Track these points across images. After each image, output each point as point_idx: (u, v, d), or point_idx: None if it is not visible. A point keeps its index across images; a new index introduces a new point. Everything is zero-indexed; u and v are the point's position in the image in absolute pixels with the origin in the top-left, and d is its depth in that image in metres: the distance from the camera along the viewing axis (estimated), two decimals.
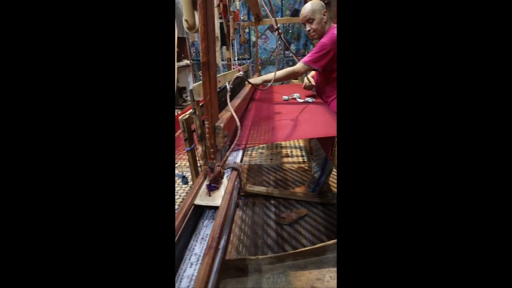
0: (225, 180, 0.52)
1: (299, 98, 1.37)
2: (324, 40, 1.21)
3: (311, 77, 1.54)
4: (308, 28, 1.28)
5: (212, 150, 0.53)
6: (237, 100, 0.93)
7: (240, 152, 0.67)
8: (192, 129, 0.67)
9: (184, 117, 0.64)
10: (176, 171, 1.97)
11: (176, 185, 1.87)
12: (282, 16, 3.18)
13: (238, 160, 0.63)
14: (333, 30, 1.21)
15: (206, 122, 0.52)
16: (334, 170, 1.59)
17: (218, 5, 1.34)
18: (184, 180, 1.72)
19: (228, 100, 0.68)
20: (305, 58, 1.23)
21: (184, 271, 0.34)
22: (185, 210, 0.42)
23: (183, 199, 1.72)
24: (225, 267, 0.91)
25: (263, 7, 1.62)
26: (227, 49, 1.77)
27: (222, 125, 0.53)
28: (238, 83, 1.30)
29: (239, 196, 0.56)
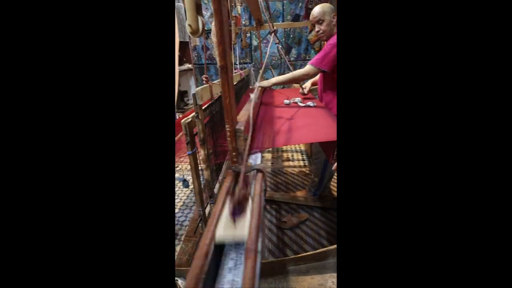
0: (253, 181, 0.50)
1: (301, 102, 1.37)
2: (331, 41, 1.23)
3: (309, 84, 1.56)
4: (317, 29, 1.31)
5: (234, 153, 0.53)
6: (249, 104, 0.93)
7: (259, 155, 0.67)
8: (195, 133, 0.67)
9: (187, 121, 0.64)
10: (177, 175, 1.96)
11: (177, 189, 1.87)
12: (283, 21, 3.20)
13: (259, 162, 0.63)
14: None
15: (227, 126, 0.51)
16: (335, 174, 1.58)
17: None
18: (185, 183, 1.71)
19: (251, 106, 0.67)
20: (313, 60, 1.25)
21: (224, 277, 0.34)
22: (218, 211, 0.40)
23: (183, 202, 1.71)
24: None
25: (264, 13, 1.64)
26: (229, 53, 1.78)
27: (242, 128, 0.53)
28: (240, 87, 1.31)
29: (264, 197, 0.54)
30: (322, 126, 0.98)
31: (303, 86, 1.58)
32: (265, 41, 3.37)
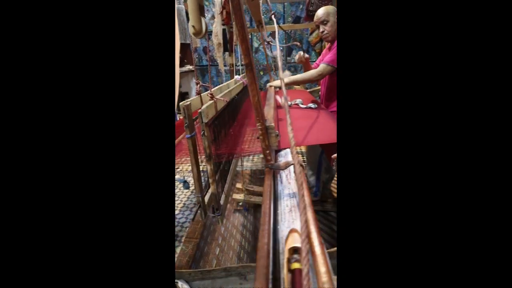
0: (293, 175, 0.49)
1: (302, 104, 1.37)
2: None
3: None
4: (321, 29, 1.33)
5: (267, 151, 0.52)
6: (271, 100, 0.92)
7: (288, 150, 0.66)
8: (194, 118, 0.67)
9: (185, 103, 0.64)
10: (178, 176, 1.96)
11: (177, 190, 1.87)
12: (284, 23, 3.22)
13: (289, 158, 0.62)
14: None
15: (258, 124, 0.51)
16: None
17: (221, 12, 1.36)
18: (186, 185, 1.71)
19: (283, 102, 0.67)
20: (327, 59, 1.26)
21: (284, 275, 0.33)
22: (267, 209, 0.39)
23: (184, 204, 1.71)
24: (227, 273, 0.90)
25: (265, 15, 1.64)
26: (230, 55, 1.79)
27: (273, 124, 0.53)
28: (242, 95, 1.31)
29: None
30: (323, 128, 0.98)
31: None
32: (266, 43, 3.38)
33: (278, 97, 1.40)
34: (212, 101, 0.68)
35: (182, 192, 1.85)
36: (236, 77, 1.49)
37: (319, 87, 1.60)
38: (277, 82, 1.39)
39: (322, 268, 0.28)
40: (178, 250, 1.26)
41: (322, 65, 1.28)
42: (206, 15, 3.20)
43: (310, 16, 3.00)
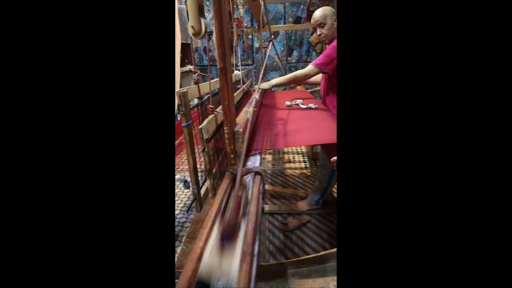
0: (249, 184, 0.50)
1: (302, 104, 1.37)
2: (334, 44, 1.23)
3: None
4: (318, 32, 1.31)
5: (232, 155, 0.53)
6: (249, 106, 0.93)
7: (258, 157, 0.67)
8: (190, 107, 0.67)
9: (182, 91, 0.63)
10: (178, 176, 1.96)
11: (177, 190, 1.87)
12: (285, 23, 3.21)
13: (257, 165, 0.63)
14: None
15: (225, 128, 0.52)
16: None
17: None
18: (186, 184, 1.71)
19: (251, 108, 0.67)
20: (316, 61, 1.25)
21: (219, 280, 0.33)
22: (213, 215, 0.40)
23: (184, 203, 1.71)
24: None
25: (266, 16, 1.64)
26: (231, 55, 1.79)
27: (241, 130, 0.53)
28: (241, 98, 1.31)
29: (263, 201, 0.54)
30: (324, 128, 0.98)
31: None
32: (266, 43, 3.38)
33: (287, 102, 1.40)
34: (213, 115, 0.68)
35: (183, 192, 1.85)
36: (236, 72, 1.48)
37: (319, 88, 1.60)
38: (264, 85, 1.37)
39: (242, 279, 0.29)
40: (178, 250, 1.26)
41: (309, 66, 1.26)
42: (207, 15, 3.20)
43: (311, 16, 3.00)
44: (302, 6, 3.15)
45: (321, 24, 1.28)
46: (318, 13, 1.29)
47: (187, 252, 1.24)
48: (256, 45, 3.38)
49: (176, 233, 1.43)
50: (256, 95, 1.20)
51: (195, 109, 0.76)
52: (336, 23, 1.28)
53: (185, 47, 3.23)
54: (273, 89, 1.39)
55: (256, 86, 1.36)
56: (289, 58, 3.41)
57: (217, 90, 1.10)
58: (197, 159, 0.72)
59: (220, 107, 0.78)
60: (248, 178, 0.54)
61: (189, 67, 3.26)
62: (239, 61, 1.82)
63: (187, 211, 1.38)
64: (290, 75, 1.32)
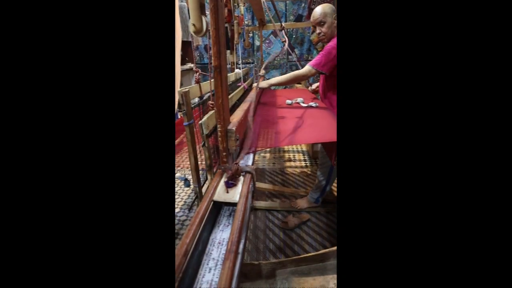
0: (240, 181, 0.52)
1: (303, 103, 1.37)
2: (331, 44, 1.22)
3: (314, 86, 1.57)
4: (318, 31, 1.30)
5: (224, 153, 0.53)
6: (246, 104, 0.93)
7: (251, 156, 0.67)
8: (192, 105, 0.67)
9: (184, 91, 0.64)
10: (179, 174, 1.97)
11: (178, 188, 1.87)
12: (286, 21, 3.20)
13: (250, 163, 0.63)
14: None
15: (218, 126, 0.52)
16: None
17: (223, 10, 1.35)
18: (186, 183, 1.72)
19: (252, 107, 0.68)
20: (313, 62, 1.24)
21: (203, 277, 0.33)
22: (204, 207, 0.42)
23: (185, 201, 1.72)
24: None
25: (267, 12, 1.64)
26: (231, 53, 1.79)
27: (234, 128, 0.53)
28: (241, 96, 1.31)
29: (253, 199, 0.56)
30: (324, 127, 0.98)
31: (312, 85, 1.57)
32: (267, 41, 3.37)
33: (288, 100, 1.40)
34: (213, 111, 0.68)
35: (183, 190, 1.86)
36: (237, 70, 1.47)
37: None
38: (262, 84, 1.37)
39: (223, 276, 0.30)
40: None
41: (307, 66, 1.26)
42: (207, 13, 3.19)
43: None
44: (303, 4, 3.14)
45: (321, 23, 1.27)
46: (317, 11, 1.27)
47: None
48: (257, 43, 3.37)
49: (176, 231, 1.44)
50: (252, 94, 1.20)
51: (196, 108, 0.76)
52: (336, 21, 1.27)
53: (185, 45, 3.22)
54: (273, 87, 1.39)
55: (254, 85, 1.36)
56: (290, 57, 3.40)
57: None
58: (198, 156, 0.72)
59: None
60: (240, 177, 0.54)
61: (189, 65, 3.25)
62: (240, 59, 1.82)
63: (189, 210, 1.39)
64: (288, 75, 1.32)
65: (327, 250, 0.71)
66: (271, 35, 3.32)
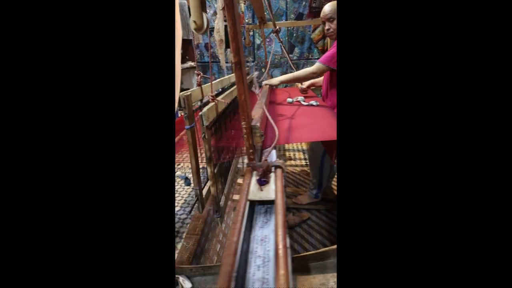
0: (272, 177, 0.51)
1: (303, 101, 1.37)
2: None
3: (308, 83, 1.55)
4: (327, 27, 1.30)
5: (251, 150, 0.53)
6: (262, 99, 0.93)
7: (274, 152, 0.67)
8: (194, 109, 0.67)
9: (185, 94, 0.64)
10: (179, 172, 1.96)
11: (178, 186, 1.87)
12: (286, 20, 3.19)
13: (274, 159, 0.63)
14: None
15: (243, 123, 0.51)
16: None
17: (223, 8, 1.35)
18: (187, 181, 1.71)
19: (263, 103, 0.67)
20: (322, 58, 1.24)
21: (254, 275, 0.33)
22: (242, 207, 0.41)
23: (185, 200, 1.72)
24: None
25: (268, 11, 1.63)
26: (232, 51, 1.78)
27: (258, 124, 0.53)
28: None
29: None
30: (325, 125, 0.98)
31: (302, 84, 1.57)
32: (268, 40, 3.36)
33: (289, 99, 1.40)
34: (213, 103, 0.68)
35: (183, 188, 1.86)
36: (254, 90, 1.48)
37: (321, 85, 1.59)
38: (272, 81, 1.38)
39: (281, 271, 0.29)
40: (179, 246, 1.27)
41: (317, 64, 1.26)
42: (208, 11, 3.18)
43: (313, 12, 2.97)
44: (304, 3, 3.13)
45: (331, 19, 1.27)
46: (328, 7, 1.28)
47: (188, 248, 1.25)
48: (258, 41, 3.36)
49: (176, 229, 1.44)
50: (263, 91, 1.20)
51: (198, 110, 0.76)
52: None
53: (186, 43, 3.22)
54: (281, 86, 1.40)
55: (264, 82, 1.36)
56: (290, 55, 3.39)
57: (220, 90, 1.10)
58: (198, 152, 0.72)
59: (220, 97, 0.78)
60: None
61: (190, 63, 3.25)
62: None
63: (190, 212, 1.39)
64: (298, 73, 1.33)
65: (327, 248, 0.71)
66: (272, 34, 3.30)
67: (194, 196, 0.72)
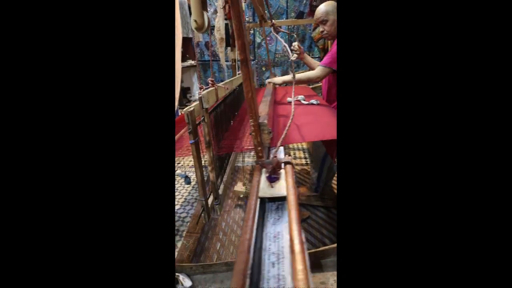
0: (282, 173, 0.51)
1: (304, 100, 1.37)
2: None
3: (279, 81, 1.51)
4: (321, 29, 1.31)
5: (259, 148, 0.52)
6: (268, 97, 0.93)
7: (281, 149, 0.67)
8: (197, 122, 0.67)
9: (189, 109, 0.64)
10: (179, 171, 1.96)
11: (179, 185, 1.88)
12: (287, 18, 3.18)
13: (282, 156, 0.63)
14: None
15: (250, 120, 0.51)
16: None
17: (224, 7, 1.34)
18: (187, 180, 1.72)
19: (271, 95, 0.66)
20: (324, 61, 1.24)
21: (269, 272, 0.33)
22: (253, 205, 0.41)
23: (185, 199, 1.72)
24: (228, 268, 0.91)
25: (268, 9, 1.63)
26: (232, 50, 1.78)
27: (266, 121, 0.53)
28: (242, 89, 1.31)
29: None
30: (325, 124, 0.98)
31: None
32: (268, 38, 3.36)
33: (289, 98, 1.40)
34: (213, 87, 0.68)
35: (184, 187, 1.86)
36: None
37: (321, 84, 1.59)
38: (275, 80, 1.38)
39: (299, 266, 0.28)
40: (179, 244, 1.27)
41: (319, 67, 1.26)
42: (208, 9, 3.17)
43: (313, 11, 2.96)
44: (304, 1, 3.12)
45: (323, 21, 1.27)
46: (320, 9, 1.27)
47: (188, 247, 1.25)
48: (258, 40, 3.36)
49: (176, 227, 1.44)
50: (268, 89, 1.20)
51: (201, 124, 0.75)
52: None
53: (186, 41, 3.22)
54: (284, 84, 1.41)
55: (267, 80, 1.37)
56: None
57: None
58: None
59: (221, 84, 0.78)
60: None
61: (190, 62, 3.25)
62: None
63: (197, 223, 1.39)
64: (302, 75, 1.32)
65: (327, 247, 0.72)
66: (272, 32, 3.30)
67: (194, 193, 0.72)
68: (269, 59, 2.60)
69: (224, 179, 0.85)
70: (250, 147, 0.76)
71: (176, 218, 1.53)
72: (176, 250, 1.23)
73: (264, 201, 0.46)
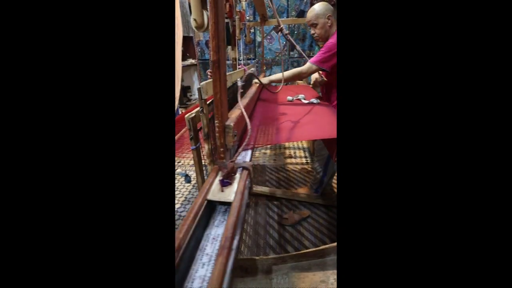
0: (237, 178, 0.51)
1: (304, 99, 1.37)
2: (332, 40, 1.22)
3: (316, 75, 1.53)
4: (312, 31, 1.32)
5: (222, 149, 0.53)
6: (245, 100, 0.93)
7: (249, 152, 0.67)
8: (199, 128, 0.67)
9: (191, 116, 0.64)
10: (180, 170, 1.97)
11: (179, 184, 1.88)
12: (288, 17, 3.17)
13: (247, 160, 0.63)
14: None
15: (216, 121, 0.51)
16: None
17: (225, 5, 1.34)
18: (187, 178, 1.72)
19: (239, 98, 0.67)
20: (314, 58, 1.24)
21: (196, 272, 0.33)
22: (198, 205, 0.42)
23: (186, 197, 1.72)
24: None
25: (269, 8, 1.62)
26: (232, 49, 1.78)
27: (232, 124, 0.53)
28: (244, 84, 1.31)
29: (249, 196, 0.56)
30: (325, 123, 0.98)
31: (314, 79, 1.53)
32: (268, 37, 3.35)
33: (289, 97, 1.40)
34: (212, 79, 0.68)
35: (184, 185, 1.87)
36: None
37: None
38: (264, 80, 1.37)
39: (215, 272, 0.30)
40: None
41: (308, 63, 1.26)
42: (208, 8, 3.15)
43: None
44: (305, 0, 3.11)
45: (313, 24, 1.28)
46: (310, 12, 1.28)
47: None
48: (259, 39, 3.35)
49: (176, 226, 1.45)
50: (252, 90, 1.20)
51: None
52: (330, 20, 1.27)
53: (186, 40, 3.21)
54: (273, 84, 1.39)
55: (254, 80, 1.36)
56: (291, 53, 3.38)
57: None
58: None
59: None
60: (237, 173, 0.54)
61: (190, 61, 3.24)
62: (241, 55, 1.81)
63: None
64: (289, 72, 1.32)
65: (327, 246, 0.72)
66: (273, 31, 3.29)
67: (195, 192, 0.72)
68: (263, 58, 2.58)
69: None
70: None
71: (177, 216, 1.53)
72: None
73: (214, 203, 0.47)
